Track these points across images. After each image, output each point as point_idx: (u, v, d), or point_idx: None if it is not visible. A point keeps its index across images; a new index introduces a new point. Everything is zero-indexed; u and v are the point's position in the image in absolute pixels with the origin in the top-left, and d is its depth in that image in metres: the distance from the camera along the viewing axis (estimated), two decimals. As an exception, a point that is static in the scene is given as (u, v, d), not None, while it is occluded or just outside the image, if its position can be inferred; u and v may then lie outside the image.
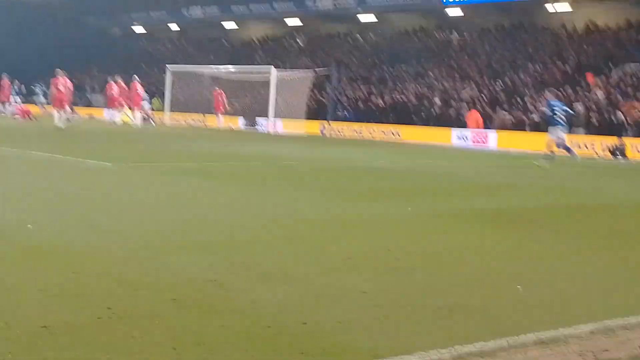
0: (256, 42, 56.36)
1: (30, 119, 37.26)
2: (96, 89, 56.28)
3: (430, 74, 41.43)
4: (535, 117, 31.96)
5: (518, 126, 33.19)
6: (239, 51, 55.17)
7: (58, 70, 29.51)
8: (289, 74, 38.63)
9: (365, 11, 48.54)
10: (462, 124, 35.09)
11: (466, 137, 34.25)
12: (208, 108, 40.50)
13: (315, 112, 40.26)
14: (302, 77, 38.56)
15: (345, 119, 39.74)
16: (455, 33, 44.90)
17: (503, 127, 33.75)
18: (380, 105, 39.84)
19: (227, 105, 39.67)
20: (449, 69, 41.37)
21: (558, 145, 20.73)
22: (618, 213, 11.84)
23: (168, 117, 41.99)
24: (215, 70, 42.26)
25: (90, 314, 4.54)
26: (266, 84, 37.99)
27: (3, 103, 40.32)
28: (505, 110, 34.70)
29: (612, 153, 28.48)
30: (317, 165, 18.05)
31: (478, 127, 34.46)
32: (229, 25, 57.89)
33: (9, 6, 65.10)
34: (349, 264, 6.34)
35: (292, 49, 52.90)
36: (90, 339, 4.11)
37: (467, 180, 16.44)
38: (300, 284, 5.58)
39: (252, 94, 41.85)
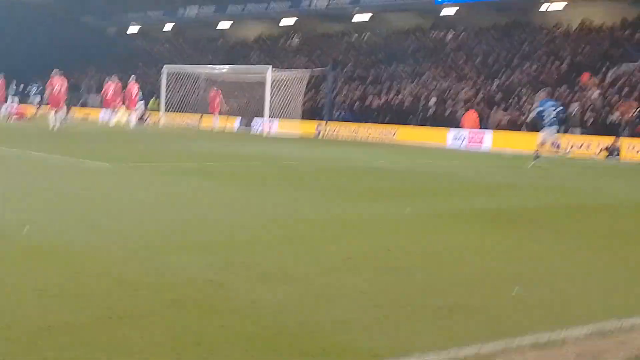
0: (252, 41, 56.35)
1: (26, 119, 37.21)
2: (92, 89, 56.21)
3: (427, 73, 41.46)
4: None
5: (514, 126, 33.21)
6: (235, 51, 55.16)
7: (55, 70, 29.48)
8: (285, 74, 38.60)
9: (361, 11, 48.55)
10: (458, 124, 35.07)
11: (462, 138, 34.26)
12: (204, 108, 40.47)
13: (312, 112, 40.25)
14: (298, 77, 38.52)
15: (341, 119, 39.73)
16: (451, 32, 44.92)
17: (499, 127, 33.77)
18: (377, 105, 39.85)
19: (224, 105, 39.62)
20: (445, 69, 41.40)
21: (553, 145, 20.67)
22: (617, 213, 11.86)
23: (164, 118, 41.94)
24: (211, 70, 42.22)
25: (90, 314, 4.54)
26: (262, 84, 37.96)
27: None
28: (502, 110, 34.72)
29: (609, 153, 28.52)
30: (316, 166, 18.04)
31: (474, 127, 34.47)
32: (225, 24, 57.88)
33: (5, 6, 65.01)
34: (348, 264, 6.35)
35: (288, 48, 52.91)
36: (90, 339, 4.11)
37: (466, 180, 16.45)
38: (300, 284, 5.58)
39: (248, 94, 41.82)
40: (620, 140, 28.92)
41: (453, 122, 35.54)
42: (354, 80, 43.99)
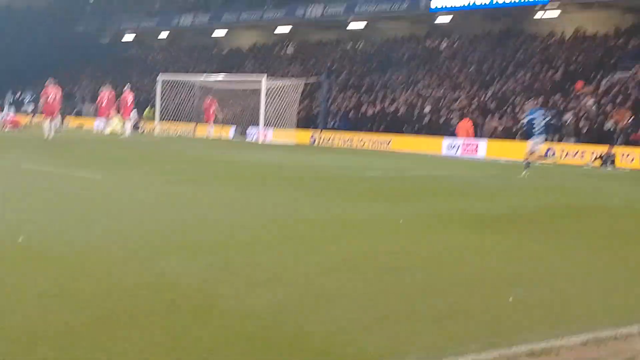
0: (247, 50, 56.42)
1: (20, 129, 37.14)
2: (87, 98, 56.19)
3: (421, 82, 41.54)
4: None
5: (509, 134, 33.26)
6: (230, 59, 55.22)
7: (49, 79, 29.45)
8: (279, 82, 38.64)
9: (355, 19, 48.64)
10: (453, 133, 35.13)
11: (457, 146, 34.31)
12: (199, 117, 40.46)
13: (307, 120, 40.29)
14: (293, 86, 38.57)
15: (336, 128, 39.77)
16: (446, 40, 45.04)
17: (493, 135, 33.83)
18: (371, 113, 39.89)
19: (220, 114, 39.62)
20: (439, 77, 41.49)
21: (529, 153, 20.66)
22: (616, 214, 11.90)
23: (159, 126, 41.93)
24: (206, 78, 42.24)
25: (90, 315, 4.53)
26: (257, 92, 37.98)
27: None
28: (497, 118, 34.79)
29: (603, 162, 28.57)
30: (313, 171, 18.09)
31: (468, 136, 34.51)
32: (220, 33, 57.94)
33: (-1, 14, 65.10)
34: (348, 265, 6.35)
35: (283, 57, 52.98)
36: (90, 340, 4.10)
37: (463, 184, 16.51)
38: (299, 285, 5.58)
39: (243, 102, 41.84)
40: (615, 148, 28.98)
41: (448, 130, 35.60)
42: (349, 88, 44.05)
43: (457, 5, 42.33)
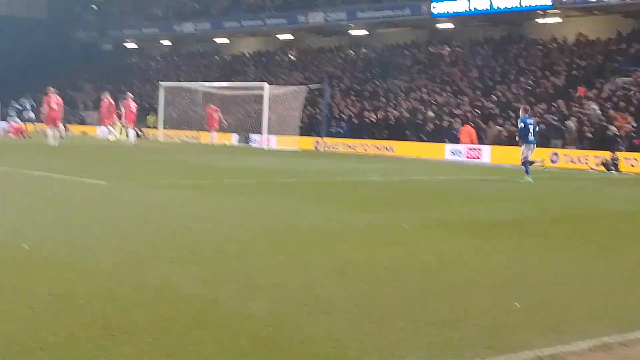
0: (248, 57, 56.48)
1: (23, 137, 37.19)
2: (89, 106, 56.25)
3: (423, 88, 41.55)
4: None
5: (512, 140, 33.22)
6: (231, 66, 55.29)
7: (50, 87, 29.48)
8: (282, 89, 38.68)
9: (357, 26, 48.69)
10: (456, 139, 35.14)
11: (460, 152, 34.33)
12: (202, 124, 40.51)
13: (309, 127, 40.32)
14: (295, 93, 38.61)
15: (339, 135, 39.81)
16: (447, 47, 45.07)
17: (496, 141, 33.83)
18: (373, 120, 39.92)
19: (223, 122, 39.65)
20: (441, 83, 41.50)
21: (524, 159, 20.63)
22: (619, 219, 11.90)
23: (162, 134, 41.99)
24: (208, 86, 42.30)
25: (85, 329, 4.52)
26: (259, 99, 38.03)
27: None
28: (499, 125, 34.79)
29: (606, 167, 28.57)
30: (313, 178, 18.09)
31: (472, 142, 34.52)
32: (221, 40, 58.02)
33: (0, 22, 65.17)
34: (348, 270, 6.35)
35: (284, 63, 53.02)
36: (84, 354, 4.10)
37: (467, 190, 16.51)
38: (299, 290, 5.59)
39: (245, 110, 41.89)
40: (617, 154, 28.97)
41: (450, 137, 35.62)
42: (351, 95, 44.08)
43: (459, 10, 42.35)
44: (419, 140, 36.58)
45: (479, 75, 40.72)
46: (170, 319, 4.78)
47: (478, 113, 36.61)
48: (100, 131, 40.36)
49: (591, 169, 28.91)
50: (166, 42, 62.34)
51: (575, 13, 39.88)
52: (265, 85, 37.95)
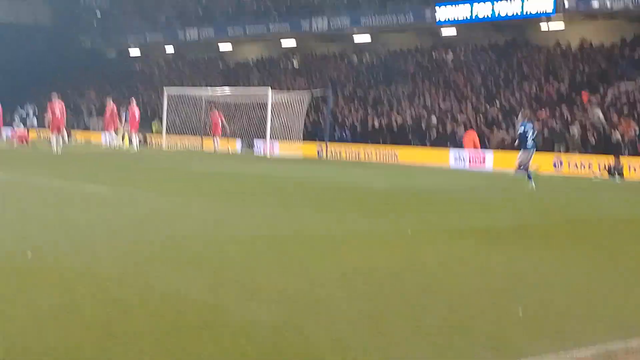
0: (252, 63, 56.53)
1: (27, 144, 37.24)
2: (93, 112, 56.34)
3: (426, 93, 41.56)
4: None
5: (515, 146, 33.17)
6: (235, 72, 55.33)
7: (53, 94, 29.52)
8: (285, 95, 38.71)
9: (360, 31, 48.72)
10: (459, 145, 35.14)
11: (464, 158, 34.31)
12: (206, 130, 40.55)
13: (312, 133, 40.33)
14: (299, 99, 38.64)
15: (342, 140, 39.81)
16: (451, 52, 45.07)
17: (500, 147, 33.80)
18: (377, 125, 39.93)
19: (227, 127, 39.69)
20: (445, 89, 41.50)
21: (519, 166, 20.59)
22: (622, 226, 11.87)
23: (166, 140, 42.03)
24: (211, 92, 42.35)
25: (88, 335, 4.53)
26: (262, 105, 38.06)
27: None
28: (503, 130, 34.77)
29: (610, 173, 28.50)
30: (316, 184, 18.09)
31: (475, 148, 34.50)
32: (225, 46, 58.09)
33: (3, 28, 65.32)
34: (344, 281, 6.33)
35: (288, 69, 53.06)
36: (87, 358, 4.11)
37: (471, 196, 16.49)
38: (302, 297, 5.58)
39: (249, 115, 41.93)
40: (622, 159, 28.91)
41: (454, 142, 35.60)
42: (354, 101, 44.10)
43: (463, 17, 42.38)
44: (423, 146, 36.56)
45: (482, 81, 40.70)
46: (174, 324, 4.79)
47: (482, 119, 36.60)
48: (104, 139, 40.41)
49: (594, 175, 28.82)
50: (170, 49, 62.44)
51: (579, 19, 39.87)
52: (269, 90, 37.97)
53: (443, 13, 43.07)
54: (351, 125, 41.28)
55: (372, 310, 5.35)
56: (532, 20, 41.02)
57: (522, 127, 20.26)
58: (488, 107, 37.57)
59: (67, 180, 15.56)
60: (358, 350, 4.43)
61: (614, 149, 30.01)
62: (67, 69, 63.54)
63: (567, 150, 32.15)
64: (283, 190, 16.39)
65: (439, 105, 39.64)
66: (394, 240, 8.79)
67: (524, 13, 39.74)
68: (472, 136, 34.90)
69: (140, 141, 38.47)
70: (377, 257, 7.58)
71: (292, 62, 53.53)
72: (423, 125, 38.27)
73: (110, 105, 36.37)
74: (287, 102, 38.29)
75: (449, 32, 45.04)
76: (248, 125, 41.57)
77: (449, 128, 37.01)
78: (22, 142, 37.32)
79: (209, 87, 43.45)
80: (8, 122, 44.70)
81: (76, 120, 54.14)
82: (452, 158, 34.69)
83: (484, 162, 33.49)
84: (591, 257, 8.38)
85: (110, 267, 6.45)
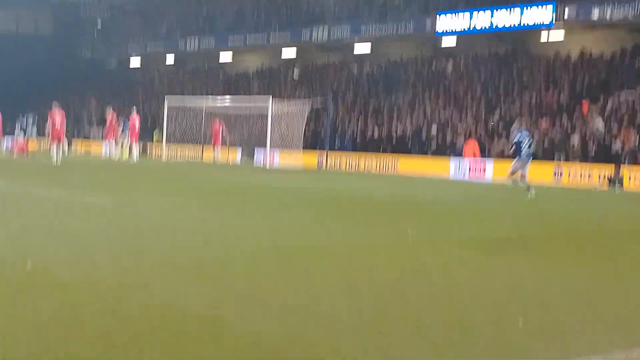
0: (253, 73, 56.64)
1: (27, 155, 37.22)
2: (94, 122, 56.42)
3: (427, 103, 41.62)
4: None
5: (510, 154, 33.18)
6: (235, 82, 55.42)
7: (54, 103, 29.54)
8: (286, 105, 38.78)
9: (361, 41, 48.83)
10: (460, 154, 35.17)
11: (464, 168, 34.33)
12: (207, 140, 40.61)
13: (313, 143, 40.38)
14: (299, 108, 38.70)
15: (342, 150, 39.87)
16: (451, 62, 45.15)
17: (500, 156, 33.82)
18: (377, 135, 39.98)
19: (228, 137, 39.74)
20: (445, 99, 41.56)
21: (511, 173, 20.60)
22: (622, 237, 11.86)
23: (166, 150, 42.07)
24: (212, 101, 42.42)
25: (89, 347, 4.51)
26: (263, 115, 38.13)
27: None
28: (503, 139, 34.80)
29: (610, 182, 28.51)
30: (315, 194, 18.10)
31: (475, 157, 34.53)
32: (226, 56, 58.20)
33: (5, 38, 65.49)
34: (347, 291, 6.32)
35: (288, 79, 53.15)
36: None
37: (471, 206, 16.48)
38: (304, 310, 5.57)
39: (250, 125, 41.97)
40: (622, 169, 28.93)
41: (454, 152, 35.64)
42: (355, 110, 44.17)
43: (463, 28, 42.50)
44: (423, 155, 36.62)
45: (482, 91, 40.76)
46: (176, 337, 4.77)
47: (482, 128, 36.64)
48: (105, 148, 40.43)
49: (594, 186, 28.82)
50: (171, 59, 62.57)
51: (579, 29, 39.97)
52: (270, 99, 38.04)
53: (443, 23, 43.18)
54: (351, 135, 41.32)
55: (376, 322, 5.34)
56: (532, 30, 41.14)
57: (517, 136, 20.27)
58: (488, 116, 37.61)
59: (66, 191, 15.56)
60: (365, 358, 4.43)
61: (614, 159, 30.04)
62: (68, 79, 63.67)
63: (567, 160, 32.18)
64: (283, 200, 16.39)
65: (439, 115, 39.69)
66: (395, 251, 8.78)
67: (523, 24, 39.90)
68: (472, 146, 34.94)
69: (140, 151, 38.49)
70: (379, 267, 7.57)
71: (293, 72, 53.64)
72: (423, 135, 38.32)
73: (110, 114, 36.44)
74: (287, 111, 38.36)
75: (449, 41, 45.14)
76: (248, 135, 41.64)
77: (449, 138, 37.06)
78: (22, 152, 37.32)
79: (209, 97, 43.56)
80: (8, 132, 44.71)
81: (77, 130, 54.21)
82: (452, 167, 34.72)
83: (484, 172, 33.51)
84: (592, 267, 8.37)
85: (110, 277, 6.43)
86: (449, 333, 5.13)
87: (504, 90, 40.13)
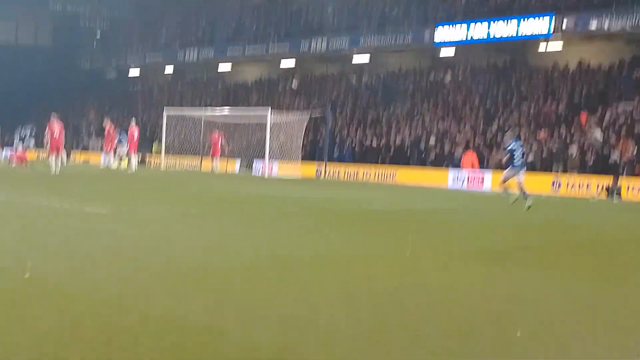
0: (252, 84, 56.73)
1: (25, 165, 37.24)
2: (93, 133, 56.48)
3: (425, 114, 41.69)
4: (531, 156, 32.18)
5: (503, 164, 33.22)
6: (234, 93, 55.50)
7: (52, 114, 29.57)
8: (284, 115, 38.84)
9: (359, 52, 48.93)
10: (458, 165, 35.21)
11: (462, 179, 34.37)
12: (206, 151, 40.66)
13: (311, 153, 40.43)
14: (298, 119, 38.77)
15: (341, 160, 39.91)
16: (449, 73, 45.25)
17: (499, 167, 33.84)
18: (376, 146, 40.04)
19: (227, 147, 39.78)
20: (443, 109, 41.63)
21: (503, 182, 20.61)
22: (620, 247, 11.86)
23: (165, 161, 42.11)
24: (211, 112, 42.49)
25: (88, 357, 4.49)
26: (262, 126, 38.19)
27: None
28: (501, 150, 34.86)
29: (608, 193, 28.54)
30: (317, 206, 18.10)
31: (473, 168, 34.58)
32: (225, 67, 58.31)
33: (3, 49, 65.61)
34: (346, 303, 6.31)
35: (288, 90, 53.23)
36: None
37: (469, 217, 16.48)
38: (297, 324, 5.56)
39: (248, 136, 42.03)
40: (620, 180, 28.96)
41: (453, 163, 35.68)
42: (353, 121, 44.23)
43: (461, 39, 42.63)
44: (422, 166, 36.65)
45: (481, 102, 40.84)
46: (175, 347, 4.77)
47: (480, 140, 36.68)
48: (103, 159, 40.47)
49: (592, 196, 28.83)
50: (170, 70, 62.68)
51: (577, 40, 40.08)
52: (269, 110, 38.11)
53: (441, 34, 43.30)
54: (350, 145, 41.38)
55: (374, 333, 5.34)
56: (530, 41, 41.26)
57: (510, 146, 20.30)
58: (486, 127, 37.67)
59: (64, 202, 15.55)
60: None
61: (612, 169, 30.08)
62: (67, 90, 63.77)
63: (565, 171, 32.22)
64: (282, 209, 16.39)
65: (437, 125, 39.75)
66: (394, 262, 8.78)
67: (519, 35, 40.04)
68: (470, 156, 34.99)
69: (138, 161, 38.52)
70: (378, 276, 7.57)
71: (292, 83, 53.73)
72: (422, 145, 38.37)
73: (108, 125, 36.50)
74: (286, 122, 38.42)
75: (447, 52, 45.23)
76: (247, 145, 41.69)
77: (447, 148, 37.11)
78: (21, 162, 37.35)
79: (208, 107, 43.63)
80: (7, 142, 44.82)
81: (76, 141, 54.27)
82: (450, 178, 34.75)
83: (482, 182, 33.54)
84: (591, 277, 8.38)
85: (109, 287, 6.43)
86: (447, 342, 5.13)
87: (502, 101, 40.21)
